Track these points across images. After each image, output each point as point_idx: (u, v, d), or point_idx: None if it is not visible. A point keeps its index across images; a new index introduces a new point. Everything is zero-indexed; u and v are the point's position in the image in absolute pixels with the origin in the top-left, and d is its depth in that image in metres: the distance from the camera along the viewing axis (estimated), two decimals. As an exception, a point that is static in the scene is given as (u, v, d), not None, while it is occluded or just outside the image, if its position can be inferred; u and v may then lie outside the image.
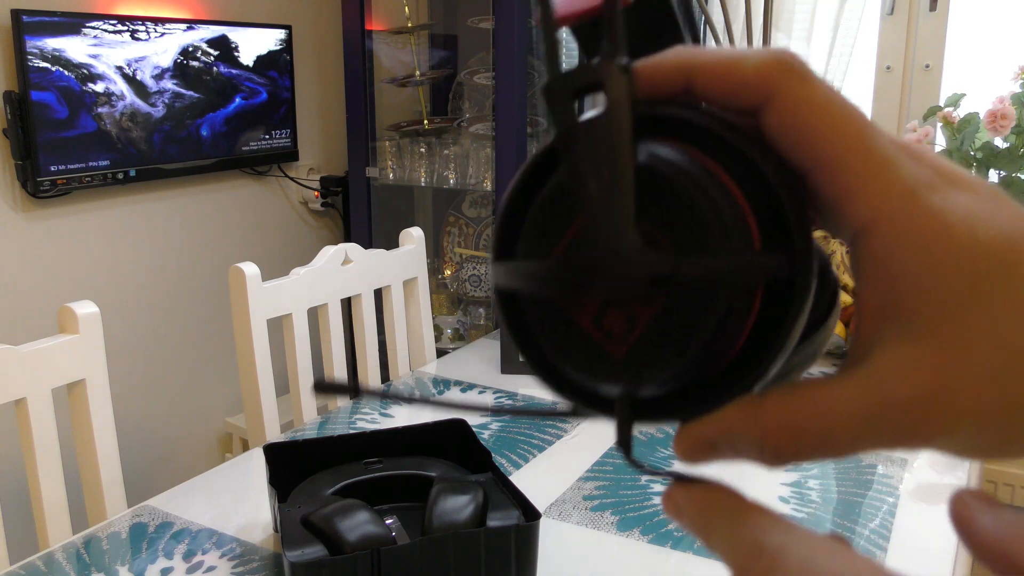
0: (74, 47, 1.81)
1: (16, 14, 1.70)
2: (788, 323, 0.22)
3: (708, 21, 1.97)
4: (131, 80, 1.94)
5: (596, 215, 0.22)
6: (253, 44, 2.21)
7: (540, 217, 0.24)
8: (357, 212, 2.43)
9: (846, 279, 1.39)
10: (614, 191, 0.22)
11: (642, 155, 0.23)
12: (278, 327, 1.34)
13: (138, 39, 1.94)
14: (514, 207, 0.25)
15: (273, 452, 0.94)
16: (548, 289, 0.24)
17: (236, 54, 2.17)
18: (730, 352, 0.23)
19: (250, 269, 1.26)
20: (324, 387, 0.27)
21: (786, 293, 0.22)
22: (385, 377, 1.55)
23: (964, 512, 0.21)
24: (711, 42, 2.11)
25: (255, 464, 1.09)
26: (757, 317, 0.23)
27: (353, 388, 0.27)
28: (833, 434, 0.21)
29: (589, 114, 0.23)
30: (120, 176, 1.94)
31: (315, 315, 1.41)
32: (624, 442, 0.24)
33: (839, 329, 1.38)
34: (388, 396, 0.29)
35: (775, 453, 0.22)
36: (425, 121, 2.44)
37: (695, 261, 0.22)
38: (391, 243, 1.61)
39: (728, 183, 0.22)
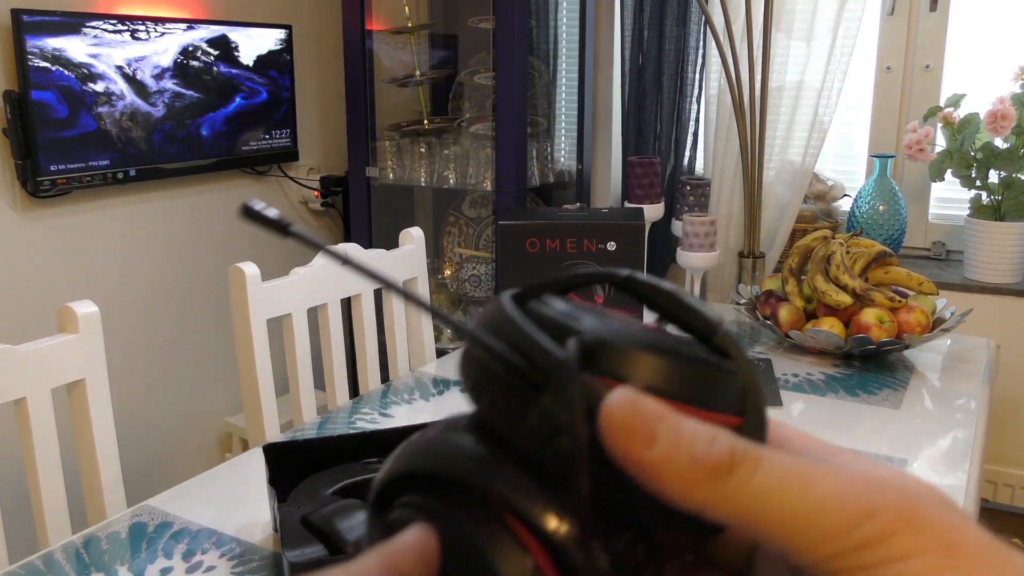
0: (74, 47, 1.81)
1: (16, 14, 1.70)
2: None
3: (708, 21, 1.97)
4: (131, 80, 1.94)
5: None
6: (253, 44, 2.21)
7: None
8: (357, 212, 2.43)
9: (845, 279, 1.39)
10: None
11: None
12: (278, 327, 1.34)
13: (138, 39, 1.94)
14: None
15: (273, 452, 0.94)
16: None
17: (236, 54, 2.17)
18: None
19: (250, 269, 1.26)
20: (252, 214, 0.24)
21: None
22: (385, 377, 1.55)
23: None
24: (711, 42, 2.11)
25: (255, 464, 1.09)
26: None
27: (281, 226, 0.24)
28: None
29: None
30: (120, 176, 1.94)
31: (315, 315, 1.41)
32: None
33: (838, 329, 1.38)
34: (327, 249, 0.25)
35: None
36: (425, 121, 2.44)
37: None
38: (391, 243, 1.61)
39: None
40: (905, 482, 0.20)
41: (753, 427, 0.23)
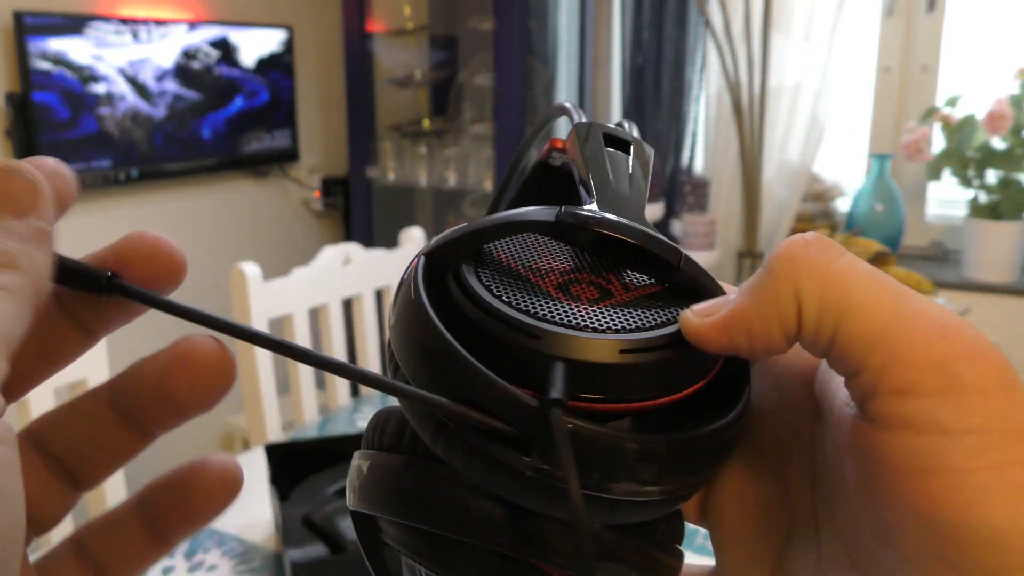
0: (76, 49, 1.82)
1: (18, 16, 1.71)
2: None
3: (708, 21, 1.98)
4: (133, 81, 1.94)
5: None
6: (254, 45, 2.22)
7: None
8: (358, 212, 2.44)
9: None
10: None
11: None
12: (279, 327, 1.35)
13: (139, 40, 1.94)
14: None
15: (274, 451, 0.95)
16: None
17: (237, 55, 2.18)
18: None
19: (251, 269, 1.27)
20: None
21: None
22: (385, 377, 1.56)
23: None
24: (710, 43, 2.11)
25: (256, 463, 1.09)
26: None
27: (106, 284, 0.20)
28: None
29: None
30: (122, 177, 1.95)
31: (316, 315, 1.41)
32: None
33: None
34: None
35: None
36: (425, 122, 2.45)
37: None
38: (392, 243, 1.61)
39: None
40: None
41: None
